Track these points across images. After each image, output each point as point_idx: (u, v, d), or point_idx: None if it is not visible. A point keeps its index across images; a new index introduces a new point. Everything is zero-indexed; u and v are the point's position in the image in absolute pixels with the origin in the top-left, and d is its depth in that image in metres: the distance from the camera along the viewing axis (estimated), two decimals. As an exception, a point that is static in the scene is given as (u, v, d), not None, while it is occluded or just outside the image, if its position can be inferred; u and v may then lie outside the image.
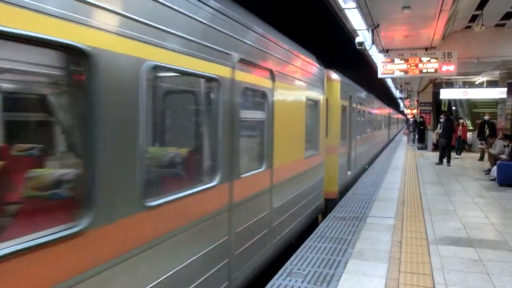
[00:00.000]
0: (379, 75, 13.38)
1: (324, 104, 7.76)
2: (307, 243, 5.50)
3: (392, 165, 14.68)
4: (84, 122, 2.16)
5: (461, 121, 19.35)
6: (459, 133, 17.64)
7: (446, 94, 21.03)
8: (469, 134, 20.52)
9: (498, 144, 12.41)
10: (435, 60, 12.45)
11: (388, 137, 29.94)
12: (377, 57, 13.41)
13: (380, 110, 22.46)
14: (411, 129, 24.22)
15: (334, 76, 9.28)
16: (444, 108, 24.20)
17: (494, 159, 11.86)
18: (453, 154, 15.91)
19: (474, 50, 13.52)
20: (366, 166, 14.38)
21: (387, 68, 13.04)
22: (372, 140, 17.34)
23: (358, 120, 12.73)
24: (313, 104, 6.91)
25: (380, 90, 30.71)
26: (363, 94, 14.18)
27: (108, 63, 2.22)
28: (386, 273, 4.41)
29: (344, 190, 9.66)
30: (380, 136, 22.19)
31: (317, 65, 7.25)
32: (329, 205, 8.58)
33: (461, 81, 23.63)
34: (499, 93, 18.41)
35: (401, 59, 12.84)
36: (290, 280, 4.24)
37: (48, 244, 1.88)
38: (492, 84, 21.15)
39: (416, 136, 24.44)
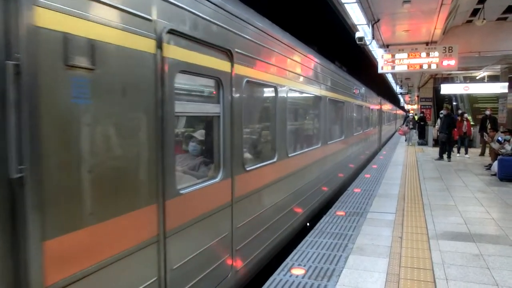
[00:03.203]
0: (379, 71, 13.32)
1: None
2: (308, 238, 5.50)
3: (393, 161, 14.67)
4: None
5: (465, 115, 17.80)
6: (464, 129, 16.04)
7: (447, 89, 20.94)
8: None
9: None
10: (436, 55, 12.40)
11: (379, 141, 22.12)
12: (377, 52, 13.35)
13: (358, 99, 12.97)
14: (411, 126, 23.67)
15: None
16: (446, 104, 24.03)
17: (495, 154, 11.82)
18: (454, 152, 15.69)
19: (475, 45, 13.45)
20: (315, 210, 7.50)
21: (387, 63, 13.00)
22: (327, 159, 8.49)
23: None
24: None
25: (380, 86, 30.58)
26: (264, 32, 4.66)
27: None
28: (386, 268, 4.41)
29: None
30: (358, 143, 13.49)
31: None
32: None
33: (462, 76, 23.57)
34: (500, 87, 18.36)
35: (401, 54, 12.79)
36: (291, 276, 4.24)
37: None
38: (493, 78, 21.08)
39: (413, 134, 24.10)
